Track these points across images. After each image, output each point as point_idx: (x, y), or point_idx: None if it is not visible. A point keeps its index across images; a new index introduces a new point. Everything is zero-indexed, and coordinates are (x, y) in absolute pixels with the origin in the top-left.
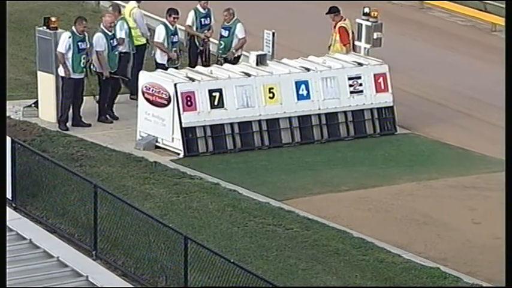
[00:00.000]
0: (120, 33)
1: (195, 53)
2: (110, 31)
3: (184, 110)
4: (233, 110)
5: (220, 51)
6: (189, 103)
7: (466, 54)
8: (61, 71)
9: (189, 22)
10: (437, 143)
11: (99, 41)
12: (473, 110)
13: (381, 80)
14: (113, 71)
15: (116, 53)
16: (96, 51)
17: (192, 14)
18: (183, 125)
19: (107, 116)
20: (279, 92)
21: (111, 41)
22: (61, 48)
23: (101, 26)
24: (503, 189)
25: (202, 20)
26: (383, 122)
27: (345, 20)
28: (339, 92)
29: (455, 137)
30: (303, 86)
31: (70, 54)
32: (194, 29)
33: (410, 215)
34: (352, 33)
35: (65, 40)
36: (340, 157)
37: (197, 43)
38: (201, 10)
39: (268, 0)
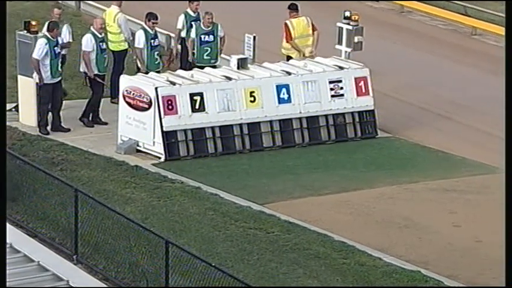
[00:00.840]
0: (69, 37)
1: (186, 58)
2: (100, 33)
3: (165, 114)
4: (214, 114)
5: (208, 57)
6: (170, 107)
7: (446, 58)
8: (36, 78)
9: (179, 26)
10: (417, 146)
11: (87, 41)
12: (453, 113)
13: (361, 83)
14: (101, 74)
15: (105, 56)
16: (83, 51)
17: (182, 17)
18: (164, 129)
19: (94, 120)
20: (260, 95)
21: (101, 43)
22: (36, 54)
23: (91, 28)
24: (483, 192)
25: (193, 23)
26: (364, 125)
27: (298, 17)
28: (320, 96)
29: (436, 140)
30: (284, 90)
31: (48, 61)
32: (184, 32)
33: (391, 218)
34: (313, 30)
35: (41, 47)
36: (321, 161)
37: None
38: (191, 13)
39: (250, 0)
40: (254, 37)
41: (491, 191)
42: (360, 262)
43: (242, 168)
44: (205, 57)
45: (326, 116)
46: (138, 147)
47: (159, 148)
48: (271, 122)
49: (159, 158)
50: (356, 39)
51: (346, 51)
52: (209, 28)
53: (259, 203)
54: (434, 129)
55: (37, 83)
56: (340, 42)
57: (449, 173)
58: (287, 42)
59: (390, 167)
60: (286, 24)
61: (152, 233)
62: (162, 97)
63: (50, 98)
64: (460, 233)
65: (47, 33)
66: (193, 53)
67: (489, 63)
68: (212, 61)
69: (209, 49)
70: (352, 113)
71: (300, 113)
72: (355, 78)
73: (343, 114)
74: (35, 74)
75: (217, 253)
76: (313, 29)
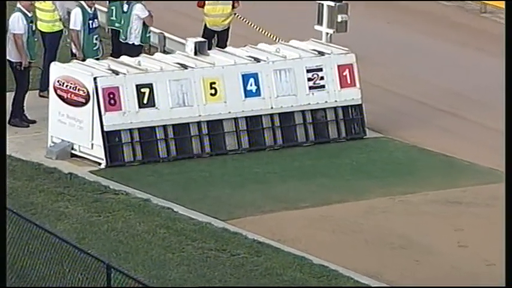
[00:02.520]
0: None
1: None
2: (29, 12)
3: (106, 110)
4: (166, 110)
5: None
6: (112, 101)
7: (451, 41)
8: None
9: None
10: (415, 148)
11: (18, 22)
12: (459, 108)
13: (346, 72)
14: (32, 62)
15: (36, 39)
16: (14, 34)
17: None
18: (105, 129)
19: (24, 118)
20: (223, 87)
21: (31, 24)
22: None
23: (18, 5)
24: (494, 205)
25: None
26: (349, 123)
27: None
28: (296, 88)
29: (437, 141)
30: (251, 80)
31: None
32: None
33: (382, 237)
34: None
35: None
36: (297, 167)
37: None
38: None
39: None
40: None
41: (504, 203)
42: None
43: (201, 176)
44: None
45: (303, 112)
46: (73, 151)
47: (98, 152)
48: (236, 119)
49: (99, 164)
50: (339, 18)
51: (327, 33)
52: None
53: (222, 218)
54: (435, 128)
55: None
56: (320, 22)
57: (453, 182)
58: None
59: (382, 175)
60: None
61: (90, 255)
62: (103, 89)
63: None
64: (467, 255)
65: None
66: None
67: (501, 47)
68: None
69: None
70: (335, 108)
71: (272, 108)
72: (339, 66)
73: (323, 109)
74: None
75: (170, 280)
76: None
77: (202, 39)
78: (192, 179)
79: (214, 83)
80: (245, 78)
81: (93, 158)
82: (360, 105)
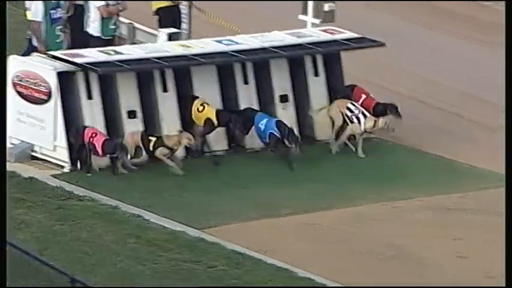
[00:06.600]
0: None
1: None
2: None
3: None
4: None
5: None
6: None
7: (450, 33)
8: None
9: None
10: (411, 151)
11: None
12: (460, 107)
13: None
14: None
15: None
16: None
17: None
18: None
19: None
20: None
21: None
22: None
23: None
24: (496, 212)
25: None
26: None
27: None
28: None
29: (435, 143)
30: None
31: None
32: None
33: (373, 247)
34: None
35: None
36: (280, 170)
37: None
38: None
39: None
40: (190, 5)
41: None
42: None
43: (174, 181)
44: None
45: None
46: (34, 153)
47: (62, 154)
48: None
49: (62, 167)
50: (326, 7)
51: (313, 23)
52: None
53: (198, 227)
54: (433, 128)
55: None
56: (305, 12)
57: (453, 187)
58: None
59: (373, 179)
60: None
61: (53, 268)
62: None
63: None
64: (466, 266)
65: None
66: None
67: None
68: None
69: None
70: None
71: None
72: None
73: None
74: None
75: None
76: None
77: (177, 30)
78: (164, 184)
79: None
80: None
81: (55, 161)
82: None
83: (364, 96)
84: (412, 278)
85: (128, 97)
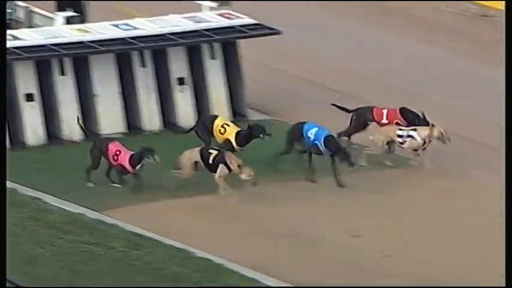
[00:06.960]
0: None
1: None
2: None
3: None
4: None
5: None
6: None
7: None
8: None
9: None
10: None
11: None
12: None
13: None
14: None
15: None
16: None
17: None
18: None
19: None
20: None
21: None
22: None
23: None
24: (388, 190)
25: None
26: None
27: None
28: None
29: (328, 125)
30: None
31: None
32: None
33: (269, 227)
34: None
35: None
36: (178, 152)
37: None
38: None
39: None
40: None
41: (399, 189)
42: (230, 285)
43: (72, 163)
44: None
45: None
46: None
47: None
48: None
49: None
50: None
51: (211, 8)
52: None
53: (97, 209)
54: (324, 108)
55: None
56: None
57: (346, 167)
58: None
59: (268, 160)
60: None
61: None
62: None
63: None
64: (360, 246)
65: None
66: None
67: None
68: None
69: None
70: None
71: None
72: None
73: None
74: None
75: (40, 276)
76: None
77: (75, 14)
78: (62, 166)
79: None
80: None
81: None
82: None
83: (385, 111)
84: (307, 258)
85: (26, 81)
